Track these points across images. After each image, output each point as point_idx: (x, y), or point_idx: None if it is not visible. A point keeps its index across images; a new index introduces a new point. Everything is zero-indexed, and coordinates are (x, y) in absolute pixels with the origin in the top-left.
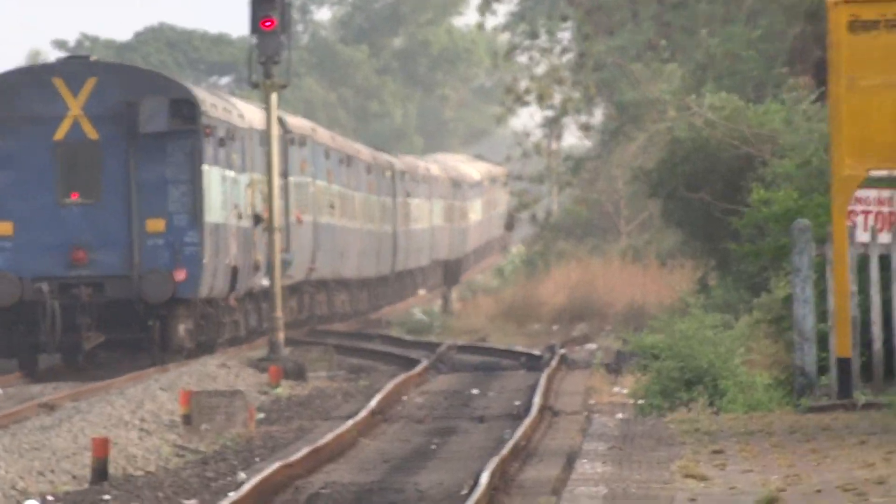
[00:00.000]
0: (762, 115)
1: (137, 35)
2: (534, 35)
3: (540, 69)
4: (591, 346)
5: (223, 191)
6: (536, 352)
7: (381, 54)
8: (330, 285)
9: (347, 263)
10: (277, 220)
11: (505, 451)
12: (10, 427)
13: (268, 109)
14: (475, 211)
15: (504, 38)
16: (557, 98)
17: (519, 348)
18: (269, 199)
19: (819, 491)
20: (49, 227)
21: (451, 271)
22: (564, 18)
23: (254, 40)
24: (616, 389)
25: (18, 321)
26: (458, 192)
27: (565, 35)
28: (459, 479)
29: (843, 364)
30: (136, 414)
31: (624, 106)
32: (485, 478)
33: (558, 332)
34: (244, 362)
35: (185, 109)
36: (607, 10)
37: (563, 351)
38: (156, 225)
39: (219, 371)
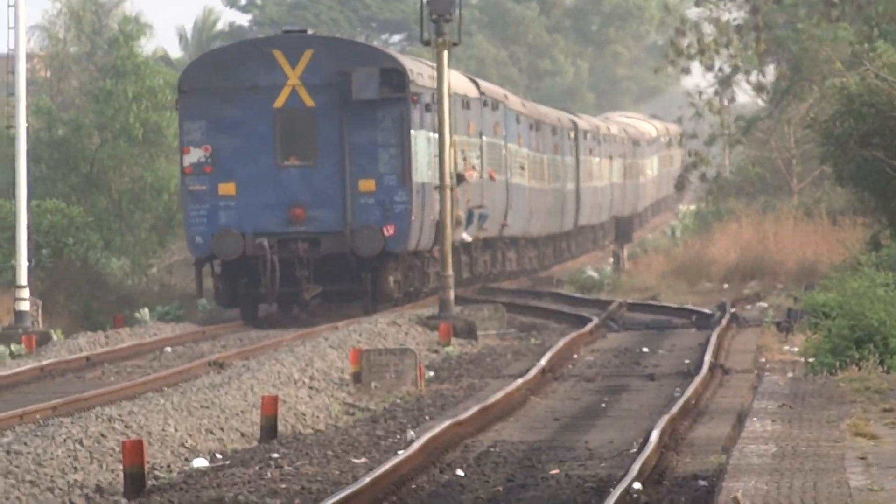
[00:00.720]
0: None
1: None
2: None
3: (708, 28)
4: (762, 304)
5: (428, 152)
6: (707, 310)
7: (552, 12)
8: (520, 242)
9: (535, 221)
10: (447, 178)
11: (675, 409)
12: (179, 385)
13: (438, 67)
14: (651, 169)
15: None
16: (724, 55)
17: (689, 306)
18: (440, 157)
19: None
20: (269, 187)
21: (623, 229)
22: None
23: None
24: (786, 348)
25: (241, 274)
26: (637, 151)
27: None
28: (629, 437)
29: None
30: (306, 372)
31: (796, 63)
32: (655, 436)
33: (729, 291)
34: (414, 320)
35: (395, 78)
36: None
37: (733, 309)
38: (367, 185)
39: (389, 329)
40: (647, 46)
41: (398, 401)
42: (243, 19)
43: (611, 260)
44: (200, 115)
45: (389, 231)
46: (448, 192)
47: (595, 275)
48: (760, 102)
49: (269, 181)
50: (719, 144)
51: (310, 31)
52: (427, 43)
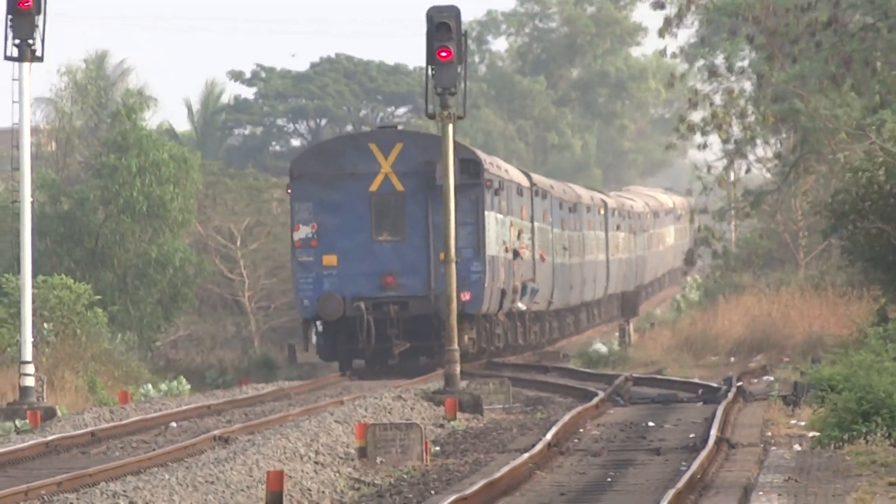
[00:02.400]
0: None
1: (314, 66)
2: (712, 73)
3: (717, 98)
4: (769, 377)
5: (496, 230)
6: (713, 384)
7: (558, 85)
8: (562, 312)
9: (573, 293)
10: (452, 252)
11: (681, 483)
12: (185, 460)
13: (444, 140)
14: (670, 238)
15: (682, 66)
16: (736, 129)
17: (696, 380)
18: (445, 235)
19: None
20: (365, 258)
21: (629, 302)
22: (750, 39)
23: (430, 71)
24: (793, 422)
25: (341, 332)
26: (656, 223)
27: (744, 62)
28: None
29: None
30: (311, 447)
31: (804, 136)
32: None
33: (735, 364)
34: (420, 395)
35: (471, 167)
36: (789, 36)
37: (740, 383)
38: None
39: (394, 403)
40: (653, 120)
41: (404, 475)
42: (248, 92)
43: (616, 334)
44: (308, 198)
45: (466, 296)
46: (453, 266)
47: (603, 349)
48: (768, 175)
49: (365, 253)
50: (727, 219)
51: (399, 127)
52: (432, 116)
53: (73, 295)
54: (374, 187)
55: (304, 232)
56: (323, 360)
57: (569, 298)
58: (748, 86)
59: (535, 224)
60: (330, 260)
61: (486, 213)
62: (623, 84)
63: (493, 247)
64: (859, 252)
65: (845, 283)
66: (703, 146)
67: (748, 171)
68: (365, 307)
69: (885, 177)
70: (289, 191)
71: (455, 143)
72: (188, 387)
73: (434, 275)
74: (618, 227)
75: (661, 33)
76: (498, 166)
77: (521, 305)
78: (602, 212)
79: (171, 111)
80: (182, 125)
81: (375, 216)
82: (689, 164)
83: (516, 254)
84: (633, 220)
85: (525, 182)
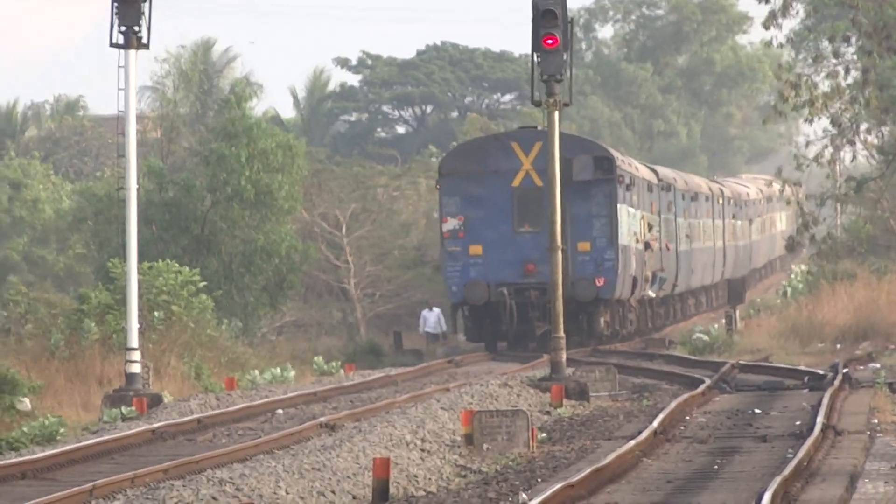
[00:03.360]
0: None
1: (420, 53)
2: (818, 57)
3: (822, 86)
4: (875, 365)
5: (628, 222)
6: (819, 371)
7: (664, 72)
8: (685, 295)
9: (695, 276)
10: (558, 239)
11: (787, 470)
12: (291, 447)
13: (549, 127)
14: (777, 225)
15: (788, 54)
16: (835, 107)
17: (802, 367)
18: (550, 217)
19: None
20: (508, 248)
21: (735, 290)
22: (846, 39)
23: (536, 58)
24: None
25: (486, 316)
26: (768, 208)
27: (849, 51)
28: (742, 499)
29: None
30: (418, 434)
31: None
32: (767, 498)
33: (842, 351)
34: (526, 382)
35: (605, 164)
36: (890, 29)
37: (846, 370)
38: (584, 246)
39: (500, 390)
40: (759, 106)
41: (510, 462)
42: (354, 79)
43: (723, 321)
44: (456, 192)
45: (600, 282)
46: (559, 254)
47: (706, 337)
48: (873, 162)
49: (508, 243)
50: (830, 205)
51: (539, 128)
52: (538, 104)
53: (179, 280)
54: (515, 183)
55: (452, 224)
56: (469, 341)
57: (690, 282)
58: (853, 73)
59: (662, 216)
60: (476, 250)
61: (619, 206)
62: (729, 73)
63: (625, 237)
64: None
65: None
66: (809, 118)
67: (854, 158)
68: (508, 293)
69: None
70: (437, 186)
71: (589, 140)
72: (294, 373)
73: (571, 262)
74: (733, 216)
75: (767, 25)
76: (629, 164)
77: (651, 293)
78: (720, 201)
79: (275, 98)
80: (287, 112)
81: (517, 209)
82: (793, 151)
83: (647, 245)
84: (747, 207)
85: (653, 178)
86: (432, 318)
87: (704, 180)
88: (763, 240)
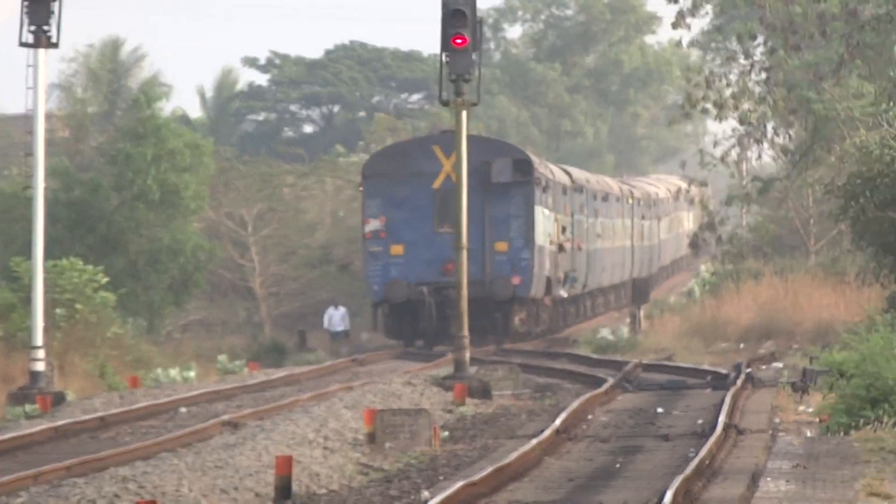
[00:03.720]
0: None
1: (328, 53)
2: (729, 58)
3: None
4: (778, 364)
5: (544, 224)
6: (722, 370)
7: (572, 72)
8: (594, 293)
9: (604, 275)
10: (464, 239)
11: (689, 469)
12: (194, 445)
13: (457, 127)
14: (685, 224)
15: (696, 54)
16: (743, 107)
17: (705, 367)
18: (456, 219)
19: None
20: (428, 248)
21: (640, 289)
22: (753, 37)
23: (445, 58)
24: (802, 408)
25: (405, 314)
26: (676, 207)
27: (758, 50)
28: (644, 497)
29: None
30: (320, 432)
31: (817, 122)
32: (669, 497)
33: (745, 351)
34: (429, 381)
35: (524, 167)
36: (797, 27)
37: (749, 369)
38: (501, 246)
39: (403, 389)
40: (666, 106)
41: (412, 461)
42: (262, 79)
43: (627, 320)
44: (378, 194)
45: (517, 281)
46: (464, 253)
47: (610, 337)
48: (778, 163)
49: (428, 244)
50: (737, 204)
51: None
52: (446, 103)
53: (82, 277)
54: (436, 185)
55: (373, 225)
56: (389, 338)
57: (600, 281)
58: (762, 73)
59: (575, 217)
60: (397, 250)
61: (536, 207)
62: (636, 73)
63: (540, 238)
64: (870, 238)
65: (856, 271)
66: (720, 118)
67: (759, 157)
68: (427, 291)
69: None
70: (361, 188)
71: (508, 144)
72: (196, 372)
73: (489, 262)
74: (642, 216)
75: (675, 25)
76: (546, 167)
77: (563, 293)
78: (629, 201)
79: (183, 98)
80: (195, 112)
81: (438, 211)
82: (698, 150)
83: (561, 247)
84: (655, 206)
85: (567, 181)
86: (337, 317)
87: (615, 181)
88: (670, 239)
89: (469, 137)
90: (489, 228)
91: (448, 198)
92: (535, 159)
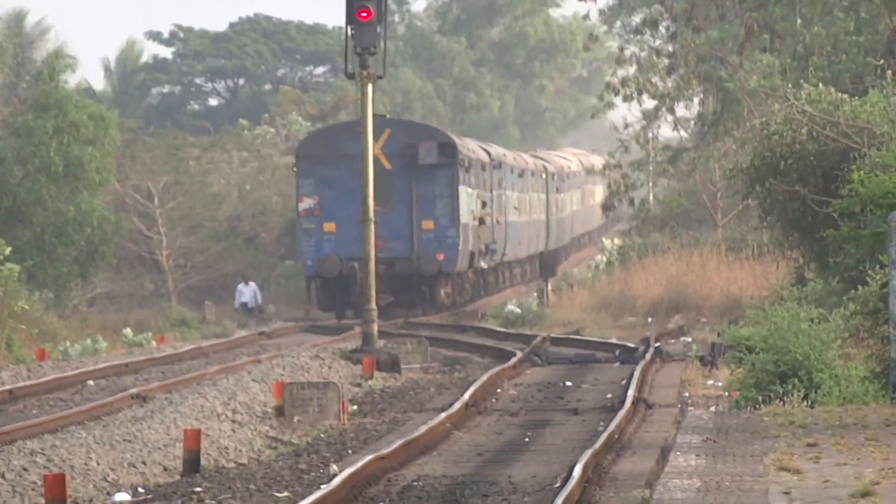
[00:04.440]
0: (860, 106)
1: (233, 26)
2: (636, 30)
3: (633, 67)
4: (686, 338)
5: (467, 202)
6: (631, 344)
7: (477, 45)
8: (512, 263)
9: (521, 247)
10: (370, 211)
11: (598, 443)
12: (102, 418)
13: (362, 100)
14: (597, 197)
15: (602, 28)
16: (660, 86)
17: (613, 340)
18: (362, 192)
19: None
20: (358, 226)
21: (547, 263)
22: (654, 24)
23: (350, 31)
24: (710, 382)
25: (337, 287)
26: (588, 180)
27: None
28: (553, 471)
29: None
30: (229, 405)
31: (724, 97)
32: (578, 470)
33: (653, 325)
34: (337, 354)
35: (448, 149)
36: (698, 10)
37: (657, 343)
38: (428, 224)
39: (312, 363)
40: (571, 79)
41: (321, 434)
42: (166, 52)
43: (535, 294)
44: (311, 175)
45: (442, 257)
46: (371, 226)
47: (518, 310)
48: (684, 134)
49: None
50: (644, 173)
51: (388, 117)
52: (351, 76)
53: None
54: None
55: (307, 203)
56: (322, 311)
57: (518, 253)
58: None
59: (494, 192)
60: (329, 227)
61: (460, 188)
62: (541, 46)
63: (464, 216)
64: (777, 213)
65: (763, 245)
66: (629, 98)
67: (676, 127)
68: (358, 266)
69: (806, 138)
70: (294, 169)
71: (433, 128)
72: (105, 345)
73: (416, 239)
74: (556, 189)
75: None
76: (468, 147)
77: (484, 265)
78: (543, 176)
79: (88, 71)
80: (100, 84)
81: None
82: (609, 124)
83: (482, 221)
84: (569, 179)
85: (486, 158)
86: (248, 292)
87: (530, 156)
88: (583, 210)
89: (397, 122)
90: (416, 208)
91: (378, 178)
92: (458, 141)
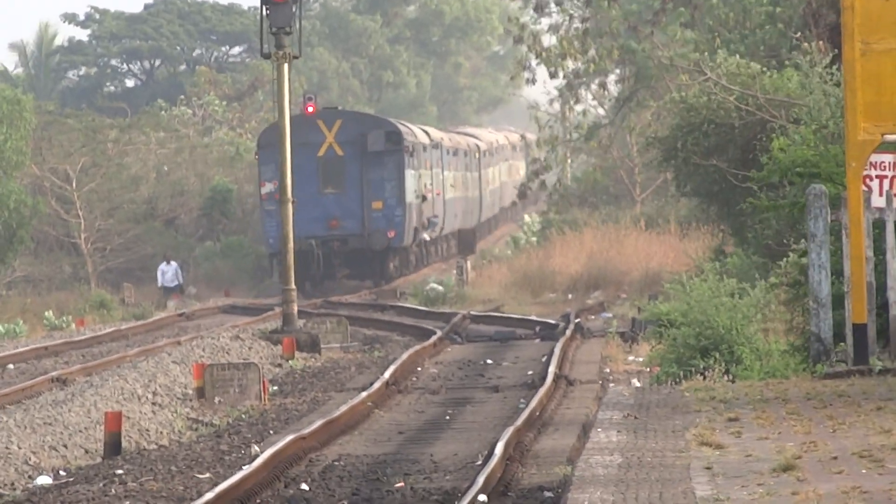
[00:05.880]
0: (777, 79)
1: (147, 7)
2: (538, 6)
3: (548, 39)
4: (607, 314)
5: (413, 182)
6: (551, 321)
7: (393, 23)
8: (449, 236)
9: (458, 220)
10: (289, 192)
11: (520, 421)
12: (22, 402)
13: (278, 80)
14: (521, 172)
15: (516, 4)
16: (570, 65)
17: (534, 317)
18: (281, 170)
19: (835, 458)
20: (316, 206)
21: (466, 240)
22: None
23: (265, 11)
24: (631, 358)
25: (297, 262)
26: (514, 156)
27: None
28: (475, 449)
29: (859, 330)
30: (149, 387)
31: (639, 69)
32: (500, 448)
33: (573, 301)
34: (257, 335)
35: (394, 137)
36: None
37: (577, 320)
38: (377, 205)
39: (232, 343)
40: (488, 57)
41: (242, 415)
42: (82, 34)
43: (454, 272)
44: (272, 161)
45: (391, 234)
46: (290, 206)
47: (439, 287)
48: (601, 111)
49: (315, 203)
50: (560, 152)
51: (339, 108)
52: (267, 56)
53: None
54: (321, 153)
55: (268, 187)
56: (282, 285)
57: (455, 226)
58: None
59: (433, 171)
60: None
61: (406, 171)
62: (457, 24)
63: (409, 195)
64: (694, 186)
65: (682, 219)
66: (532, 81)
67: (598, 102)
68: (315, 244)
69: (723, 110)
70: (256, 156)
71: (381, 118)
72: (26, 328)
73: (367, 218)
74: (488, 165)
75: None
76: (412, 133)
77: (426, 237)
78: (477, 155)
79: (2, 54)
80: (15, 68)
81: (322, 174)
82: (525, 101)
83: (424, 198)
84: (497, 154)
85: (427, 140)
86: (170, 272)
87: (462, 136)
88: (511, 182)
89: (347, 113)
90: (366, 190)
91: (330, 163)
92: (403, 129)
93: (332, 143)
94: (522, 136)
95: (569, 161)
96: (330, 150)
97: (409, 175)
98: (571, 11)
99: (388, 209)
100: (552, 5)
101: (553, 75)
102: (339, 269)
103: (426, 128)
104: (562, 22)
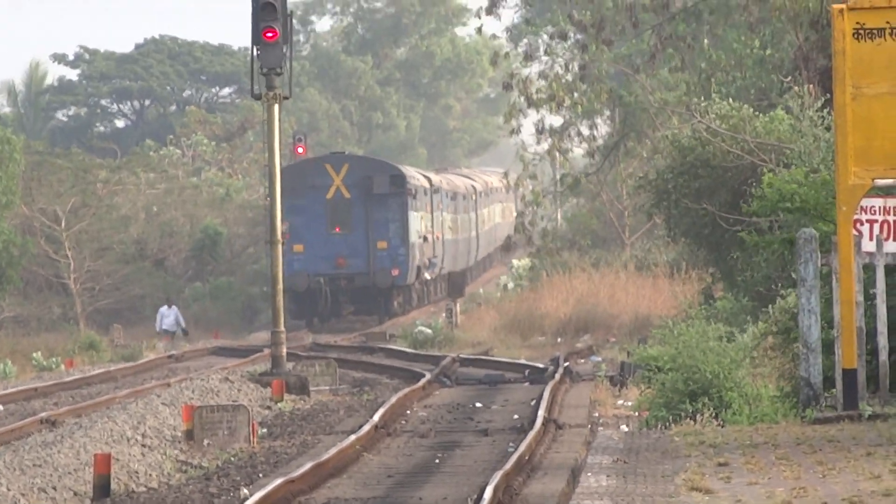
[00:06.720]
0: (768, 123)
1: (138, 47)
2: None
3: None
4: (596, 358)
5: (415, 224)
6: (540, 364)
7: (383, 65)
8: (437, 279)
9: (456, 260)
10: (278, 233)
11: (509, 465)
12: (11, 443)
13: (269, 120)
14: (514, 211)
15: (506, 44)
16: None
17: (523, 361)
18: (271, 211)
19: (825, 503)
20: (324, 246)
21: (455, 283)
22: (563, 36)
23: (255, 51)
24: (620, 402)
25: (306, 299)
26: (508, 197)
27: (566, 45)
28: (463, 493)
29: (849, 375)
30: (139, 429)
31: (627, 115)
32: (489, 492)
33: (562, 345)
34: (246, 377)
35: (399, 181)
36: (608, 23)
37: (567, 363)
38: (382, 244)
39: (221, 385)
40: (478, 100)
41: (231, 458)
42: (72, 74)
43: (444, 314)
44: (282, 203)
45: (396, 272)
46: (279, 247)
47: (428, 330)
48: (590, 160)
49: (323, 242)
50: (551, 200)
51: (347, 153)
52: (258, 97)
53: None
54: (329, 195)
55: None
56: (292, 319)
57: (454, 266)
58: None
59: (434, 214)
60: (298, 248)
61: (409, 212)
62: (448, 66)
63: (413, 236)
64: (684, 229)
65: (671, 263)
66: (518, 131)
67: (581, 143)
68: (323, 281)
69: (713, 155)
70: (268, 199)
71: (386, 162)
72: (15, 369)
73: (373, 257)
74: (484, 206)
75: (487, 12)
76: (414, 176)
77: (428, 276)
78: (473, 197)
79: None
80: (4, 108)
81: (330, 216)
82: (516, 144)
83: (425, 238)
84: (493, 195)
85: (427, 184)
86: (171, 316)
87: (460, 178)
88: (504, 223)
89: (353, 157)
90: (372, 230)
91: (338, 205)
92: (407, 172)
93: (339, 185)
94: (505, 175)
95: (558, 206)
96: (338, 193)
97: (413, 216)
98: (563, 58)
99: (392, 248)
100: (542, 54)
101: (540, 103)
102: (346, 306)
103: (427, 172)
104: (551, 67)
